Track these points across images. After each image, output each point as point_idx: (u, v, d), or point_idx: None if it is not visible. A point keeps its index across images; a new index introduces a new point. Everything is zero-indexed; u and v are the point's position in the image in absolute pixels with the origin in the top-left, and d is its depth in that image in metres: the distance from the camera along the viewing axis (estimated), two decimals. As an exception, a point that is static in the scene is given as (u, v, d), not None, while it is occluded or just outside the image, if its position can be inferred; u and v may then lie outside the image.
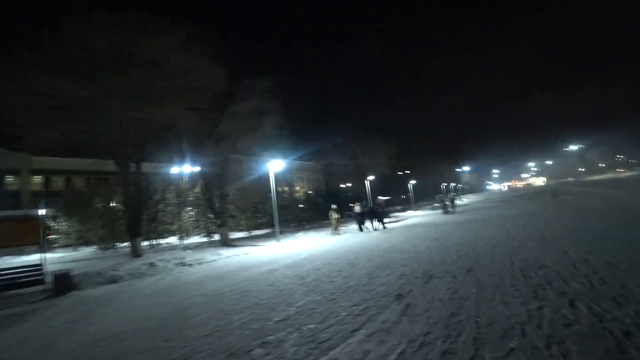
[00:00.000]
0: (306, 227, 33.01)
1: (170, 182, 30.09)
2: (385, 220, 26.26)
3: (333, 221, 19.47)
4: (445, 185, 66.07)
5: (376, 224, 19.45)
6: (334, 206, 19.81)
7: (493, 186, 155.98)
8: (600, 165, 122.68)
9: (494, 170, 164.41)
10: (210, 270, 10.80)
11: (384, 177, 48.71)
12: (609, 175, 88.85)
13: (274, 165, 19.68)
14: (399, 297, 4.64)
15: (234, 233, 35.61)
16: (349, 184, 52.94)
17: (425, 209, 44.80)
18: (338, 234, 18.51)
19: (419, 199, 68.65)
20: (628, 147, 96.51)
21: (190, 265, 12.86)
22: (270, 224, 36.12)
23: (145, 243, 22.34)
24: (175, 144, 19.66)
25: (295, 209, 37.74)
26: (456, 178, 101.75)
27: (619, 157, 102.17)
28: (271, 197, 24.06)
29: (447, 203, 26.43)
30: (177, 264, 12.88)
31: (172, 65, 15.86)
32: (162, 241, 24.99)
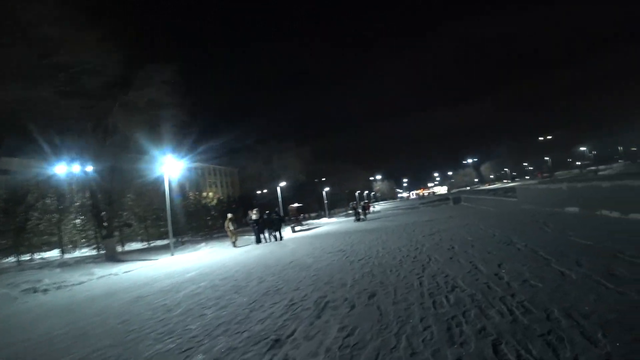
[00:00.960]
0: (215, 236, 30.59)
1: (50, 185, 25.27)
2: (297, 228, 25.53)
3: (229, 232, 17.42)
4: (360, 193, 67.95)
5: (281, 233, 18.01)
6: (229, 215, 17.91)
7: (403, 194, 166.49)
8: (491, 176, 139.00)
9: (404, 179, 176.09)
10: (65, 299, 8.48)
11: (299, 183, 48.04)
12: (498, 185, 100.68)
13: (170, 167, 17.26)
14: (276, 343, 3.34)
15: (132, 244, 31.63)
16: (266, 190, 51.22)
17: (340, 216, 45.09)
18: (236, 247, 16.55)
19: (335, 206, 69.65)
20: (511, 161, 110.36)
21: (44, 291, 10.11)
22: (177, 233, 32.99)
23: (10, 259, 18.14)
24: (49, 135, 16.25)
25: (203, 216, 34.79)
26: (370, 186, 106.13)
27: (505, 170, 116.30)
28: (176, 202, 21.43)
29: (359, 210, 26.37)
30: (25, 291, 10.04)
31: (40, 35, 13.05)
32: (38, 255, 20.51)
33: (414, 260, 6.71)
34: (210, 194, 75.09)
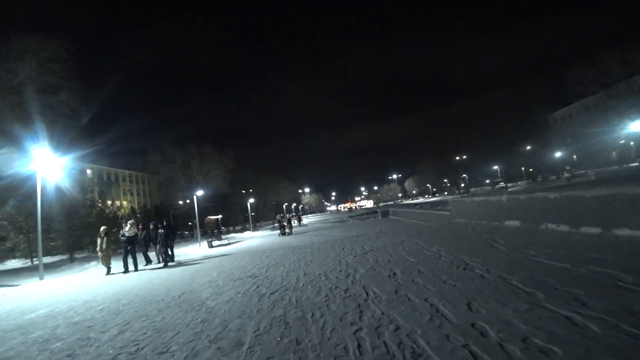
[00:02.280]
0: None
1: None
2: (215, 242, 22.53)
3: (100, 253, 12.41)
4: (287, 206, 65.96)
5: (173, 252, 13.75)
6: (103, 228, 12.82)
7: (332, 207, 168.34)
8: (414, 191, 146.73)
9: (332, 193, 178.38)
10: None
11: (222, 194, 44.55)
12: (421, 199, 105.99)
13: (45, 164, 13.46)
14: None
15: (8, 262, 25.83)
16: (188, 201, 46.61)
17: (266, 229, 42.54)
18: (111, 274, 11.99)
19: (262, 219, 66.75)
20: (433, 177, 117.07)
21: None
22: (73, 248, 27.65)
23: None
24: None
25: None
26: (299, 199, 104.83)
27: (428, 186, 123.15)
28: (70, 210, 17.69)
29: (284, 224, 24.31)
30: None
31: None
32: None
33: (345, 295, 4.81)
34: (125, 202, 67.72)
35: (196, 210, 23.87)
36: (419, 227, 13.71)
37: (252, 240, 24.77)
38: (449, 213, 14.19)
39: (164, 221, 14.18)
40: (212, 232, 25.19)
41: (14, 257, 26.01)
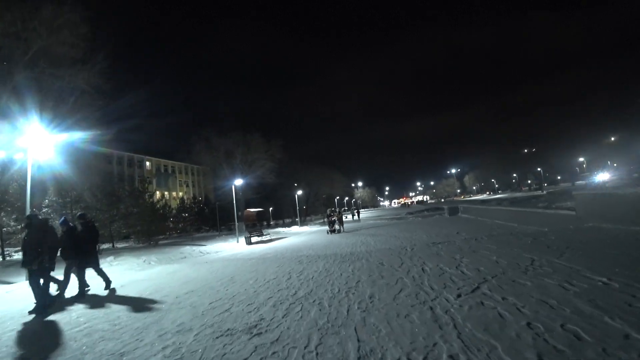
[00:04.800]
0: (160, 243, 24.52)
1: None
2: (255, 238, 19.59)
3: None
4: (338, 199, 62.52)
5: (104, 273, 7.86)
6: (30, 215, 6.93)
7: (385, 202, 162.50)
8: (473, 187, 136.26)
9: (386, 187, 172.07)
10: None
11: (269, 185, 42.11)
12: (483, 196, 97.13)
13: (34, 141, 10.91)
14: None
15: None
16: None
17: (315, 224, 39.42)
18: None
19: (312, 212, 64.04)
20: (499, 171, 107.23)
21: None
22: (112, 237, 26.64)
23: None
24: None
25: (146, 218, 28.51)
26: (351, 193, 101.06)
27: (492, 181, 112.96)
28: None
29: (334, 219, 20.80)
30: None
31: None
32: None
33: None
34: (181, 193, 68.72)
35: (234, 202, 21.13)
36: (523, 233, 9.44)
37: (296, 237, 21.61)
38: (573, 213, 9.72)
39: (79, 218, 7.61)
40: (253, 227, 22.43)
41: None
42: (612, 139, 71.50)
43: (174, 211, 46.92)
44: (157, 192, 65.38)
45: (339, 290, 5.12)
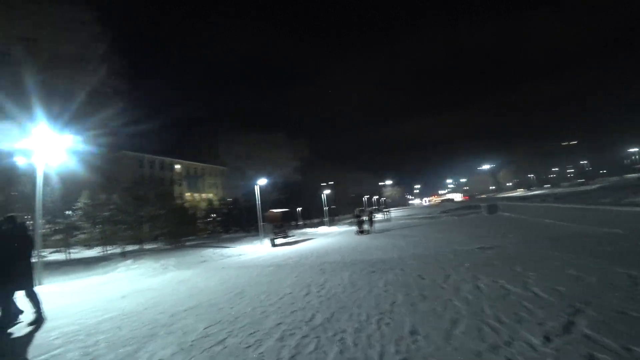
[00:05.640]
0: (187, 245, 24.18)
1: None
2: (279, 240, 18.55)
3: None
4: (367, 198, 60.84)
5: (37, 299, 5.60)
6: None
7: (415, 200, 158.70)
8: (508, 184, 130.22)
9: (415, 186, 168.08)
10: None
11: (296, 185, 41.16)
12: (518, 192, 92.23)
13: (44, 143, 10.38)
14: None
15: (81, 251, 25.35)
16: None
17: (343, 225, 38.13)
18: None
19: (340, 212, 62.70)
20: (537, 164, 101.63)
21: None
22: (141, 239, 26.57)
23: None
24: None
25: (174, 220, 28.34)
26: (380, 191, 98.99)
27: (531, 176, 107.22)
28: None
29: (364, 219, 19.50)
30: None
31: None
32: None
33: None
34: (210, 195, 69.38)
35: (258, 202, 20.23)
36: (593, 235, 7.82)
37: (323, 238, 20.47)
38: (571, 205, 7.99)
39: (6, 221, 5.48)
40: (278, 228, 21.50)
41: (88, 247, 25.48)
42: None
43: (203, 212, 47.09)
44: (187, 194, 66.61)
45: (367, 317, 3.88)
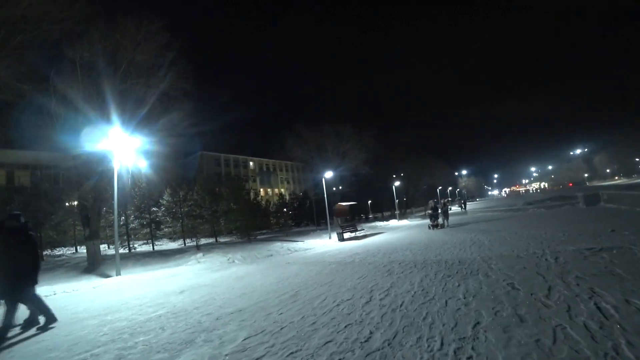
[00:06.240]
0: (258, 238, 24.79)
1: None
2: (347, 234, 17.77)
3: None
4: (441, 189, 57.42)
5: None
6: None
7: (494, 191, 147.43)
8: (607, 170, 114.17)
9: (494, 175, 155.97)
10: None
11: (365, 178, 40.01)
12: (621, 181, 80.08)
13: (119, 144, 10.85)
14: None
15: (167, 243, 27.31)
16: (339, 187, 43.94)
17: (415, 218, 36.25)
18: None
19: (413, 204, 60.13)
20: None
21: None
22: (215, 233, 27.89)
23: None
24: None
25: (246, 214, 29.16)
26: (455, 182, 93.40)
27: (638, 160, 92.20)
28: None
29: (438, 212, 17.92)
30: None
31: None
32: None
33: None
34: (282, 190, 71.54)
35: (325, 195, 19.73)
36: None
37: (394, 232, 19.30)
38: None
39: (10, 219, 5.22)
40: (348, 221, 20.82)
41: (172, 239, 27.30)
42: None
43: (275, 207, 48.31)
44: (261, 190, 69.23)
45: (441, 343, 2.91)
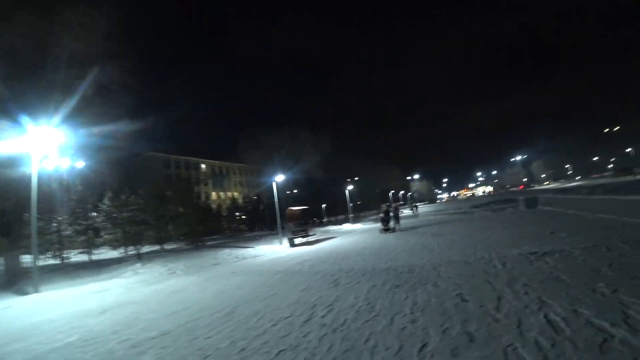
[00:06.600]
0: (207, 245, 23.53)
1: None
2: (298, 240, 17.25)
3: None
4: (393, 193, 58.80)
5: None
6: None
7: (444, 195, 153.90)
8: (543, 175, 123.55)
9: (444, 179, 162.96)
10: None
11: (320, 181, 39.87)
12: (556, 185, 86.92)
13: (40, 141, 9.63)
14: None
15: (107, 252, 25.22)
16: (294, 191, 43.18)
17: (368, 222, 36.59)
18: None
19: (367, 208, 60.95)
20: (573, 156, 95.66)
21: None
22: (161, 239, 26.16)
23: None
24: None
25: (194, 219, 27.69)
26: (407, 186, 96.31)
27: (567, 166, 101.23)
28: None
29: (390, 215, 17.98)
30: None
31: None
32: None
33: None
34: (236, 194, 69.44)
35: (275, 199, 19.13)
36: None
37: (346, 237, 19.12)
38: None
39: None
40: (298, 226, 20.35)
41: (113, 247, 25.27)
42: None
43: (227, 211, 46.73)
44: (214, 193, 66.78)
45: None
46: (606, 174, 76.96)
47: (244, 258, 14.90)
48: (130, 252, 23.21)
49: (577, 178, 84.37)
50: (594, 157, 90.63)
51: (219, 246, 21.67)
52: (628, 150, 68.05)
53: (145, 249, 22.32)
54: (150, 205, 25.27)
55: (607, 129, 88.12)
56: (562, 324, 3.02)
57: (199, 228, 27.44)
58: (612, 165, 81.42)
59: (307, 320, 4.08)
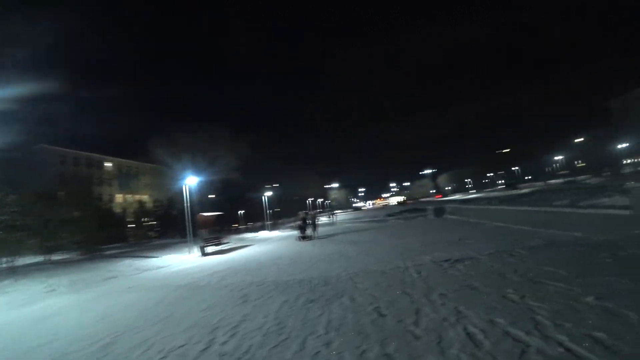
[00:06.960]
0: (106, 254, 20.71)
1: None
2: (210, 248, 16.05)
3: None
4: (311, 201, 59.42)
5: None
6: None
7: (359, 203, 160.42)
8: (447, 188, 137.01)
9: (360, 189, 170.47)
10: None
11: (238, 186, 38.44)
12: (457, 196, 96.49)
13: None
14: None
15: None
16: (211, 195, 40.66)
17: (286, 229, 36.16)
18: None
19: (285, 215, 60.60)
20: (479, 170, 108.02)
21: None
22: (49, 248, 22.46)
23: None
24: None
25: (91, 224, 24.32)
26: (325, 194, 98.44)
27: (467, 180, 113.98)
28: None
29: (307, 223, 17.74)
30: None
31: None
32: None
33: None
34: (145, 196, 63.41)
35: (186, 204, 17.63)
36: (571, 242, 6.69)
37: (262, 245, 18.39)
38: (627, 213, 7.01)
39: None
40: (212, 234, 19.04)
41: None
42: (579, 140, 73.17)
43: (133, 216, 42.54)
44: (120, 196, 60.20)
45: None
46: (498, 187, 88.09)
47: (146, 270, 13.29)
48: (4, 265, 19.56)
49: (471, 192, 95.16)
50: (489, 173, 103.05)
51: (120, 256, 19.27)
52: (514, 169, 78.44)
53: (26, 260, 18.92)
54: (35, 208, 21.57)
55: (498, 151, 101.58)
56: (481, 336, 2.86)
57: (99, 234, 24.24)
58: (502, 180, 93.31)
59: (204, 349, 3.40)
